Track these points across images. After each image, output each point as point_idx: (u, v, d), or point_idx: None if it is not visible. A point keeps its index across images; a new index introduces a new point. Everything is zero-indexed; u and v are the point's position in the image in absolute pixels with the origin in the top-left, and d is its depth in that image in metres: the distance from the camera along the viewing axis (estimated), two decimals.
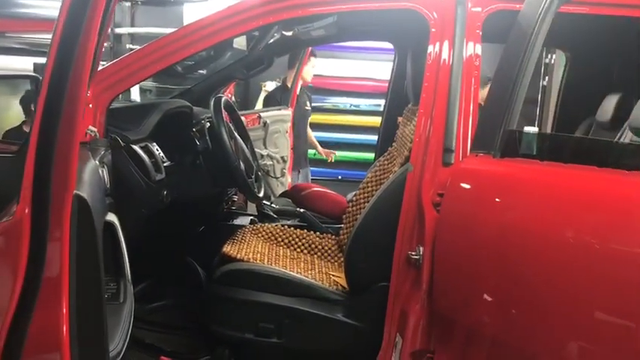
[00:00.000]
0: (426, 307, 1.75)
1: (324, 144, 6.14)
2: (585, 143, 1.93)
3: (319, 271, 2.28)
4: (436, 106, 1.85)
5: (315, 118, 6.02)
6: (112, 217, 1.51)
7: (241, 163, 2.27)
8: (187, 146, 2.30)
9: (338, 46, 5.77)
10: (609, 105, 2.72)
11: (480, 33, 1.89)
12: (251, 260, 2.18)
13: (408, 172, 1.89)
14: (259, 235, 2.48)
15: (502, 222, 1.56)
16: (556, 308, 1.42)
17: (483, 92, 4.74)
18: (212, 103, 2.29)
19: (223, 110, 2.31)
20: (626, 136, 2.62)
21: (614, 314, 1.34)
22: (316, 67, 4.66)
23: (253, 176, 2.41)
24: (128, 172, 1.87)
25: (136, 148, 1.93)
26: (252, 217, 2.79)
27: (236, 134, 2.42)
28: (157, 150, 2.06)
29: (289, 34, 2.64)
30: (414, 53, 2.21)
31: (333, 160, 5.07)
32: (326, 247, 2.48)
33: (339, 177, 5.92)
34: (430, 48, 1.89)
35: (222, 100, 2.33)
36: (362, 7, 2.05)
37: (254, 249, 2.31)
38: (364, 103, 6.15)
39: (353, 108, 6.22)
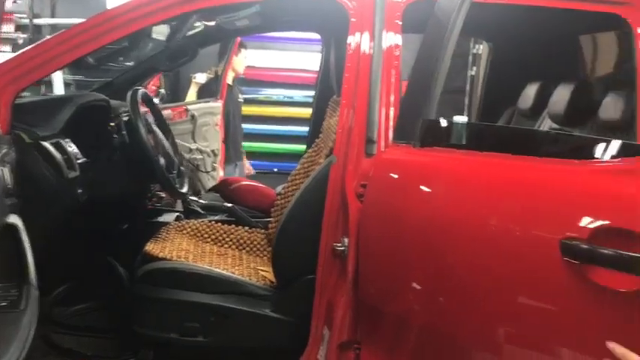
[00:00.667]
0: (352, 298, 1.75)
1: (259, 137, 6.09)
2: (503, 132, 1.97)
3: (247, 266, 2.24)
4: (358, 96, 1.83)
5: (249, 110, 5.95)
6: (14, 219, 1.41)
7: (161, 158, 2.19)
8: (104, 142, 2.20)
9: (271, 37, 5.71)
10: (529, 93, 2.80)
11: (400, 23, 1.89)
12: (174, 258, 2.11)
13: (332, 163, 1.88)
14: (184, 232, 2.41)
15: (423, 211, 1.57)
16: (483, 295, 1.45)
17: None
18: (129, 96, 2.19)
19: (141, 103, 2.23)
20: (545, 123, 2.71)
21: (537, 298, 1.37)
22: (248, 58, 4.59)
23: (175, 171, 2.33)
24: (36, 170, 1.76)
25: (46, 144, 1.83)
26: (177, 214, 2.71)
27: (155, 128, 2.34)
28: (70, 146, 1.95)
29: (212, 24, 2.57)
30: (336, 43, 2.19)
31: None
32: (255, 242, 2.44)
33: (275, 169, 5.88)
34: (350, 38, 1.87)
35: (140, 92, 2.24)
36: None
37: (179, 246, 2.24)
38: (298, 95, 6.12)
39: (287, 99, 6.18)
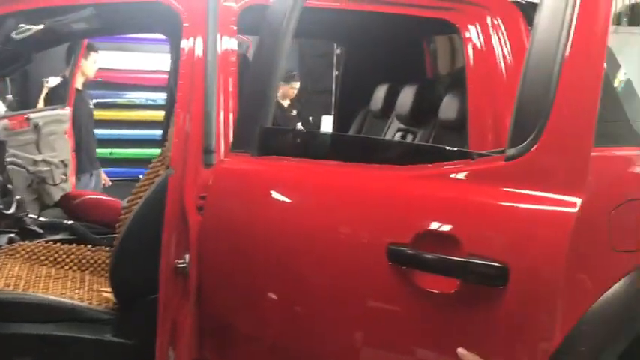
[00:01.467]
0: (196, 316, 1.67)
1: (121, 142, 5.79)
2: (337, 140, 1.99)
3: (89, 288, 2.08)
4: (193, 104, 1.75)
5: (110, 114, 5.63)
6: None
7: None
8: None
9: (131, 38, 5.45)
10: (379, 95, 2.87)
11: (235, 28, 1.83)
12: (0, 287, 1.91)
13: (170, 175, 1.78)
14: (17, 255, 2.20)
15: (262, 222, 1.53)
16: (325, 304, 1.44)
17: (284, 88, 4.74)
18: None
19: None
20: (395, 124, 2.79)
21: (376, 304, 1.38)
22: (98, 62, 4.31)
23: None
24: None
25: None
26: (11, 235, 2.46)
27: None
28: None
29: (40, 27, 2.35)
30: (175, 48, 2.09)
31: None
32: (99, 261, 2.28)
33: (140, 176, 5.61)
34: (184, 43, 1.78)
35: None
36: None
37: (8, 273, 2.04)
38: (161, 98, 5.89)
39: (150, 102, 5.93)
